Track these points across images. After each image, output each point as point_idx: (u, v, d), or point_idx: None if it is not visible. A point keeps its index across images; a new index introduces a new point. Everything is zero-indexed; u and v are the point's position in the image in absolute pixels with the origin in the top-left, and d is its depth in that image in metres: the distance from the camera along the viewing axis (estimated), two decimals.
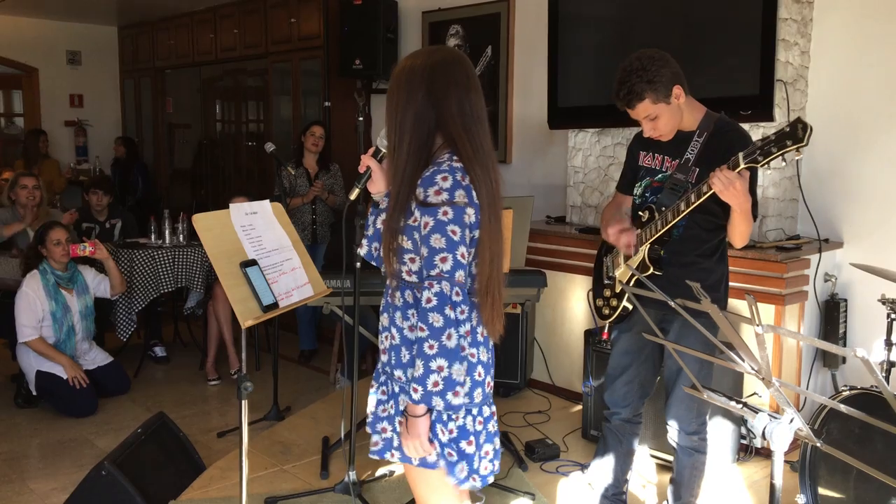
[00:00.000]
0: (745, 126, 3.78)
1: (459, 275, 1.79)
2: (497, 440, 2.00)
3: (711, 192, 2.38)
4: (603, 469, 2.98)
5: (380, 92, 6.13)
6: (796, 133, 2.19)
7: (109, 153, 8.26)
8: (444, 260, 1.77)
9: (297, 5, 6.28)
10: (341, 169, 5.60)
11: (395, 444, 1.96)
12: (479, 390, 1.90)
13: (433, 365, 1.77)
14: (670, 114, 2.55)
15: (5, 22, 8.04)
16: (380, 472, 3.48)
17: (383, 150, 1.99)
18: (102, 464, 3.01)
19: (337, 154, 5.88)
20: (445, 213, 1.78)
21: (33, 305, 4.40)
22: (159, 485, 3.27)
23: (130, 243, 5.28)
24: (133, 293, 4.97)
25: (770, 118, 3.67)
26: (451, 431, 1.88)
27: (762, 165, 2.29)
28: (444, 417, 1.87)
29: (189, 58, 7.61)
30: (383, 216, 2.01)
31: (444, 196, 1.78)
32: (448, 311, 1.77)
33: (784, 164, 2.29)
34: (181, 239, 5.32)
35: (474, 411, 1.91)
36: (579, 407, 4.11)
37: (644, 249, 2.64)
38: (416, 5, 5.80)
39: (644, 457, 3.57)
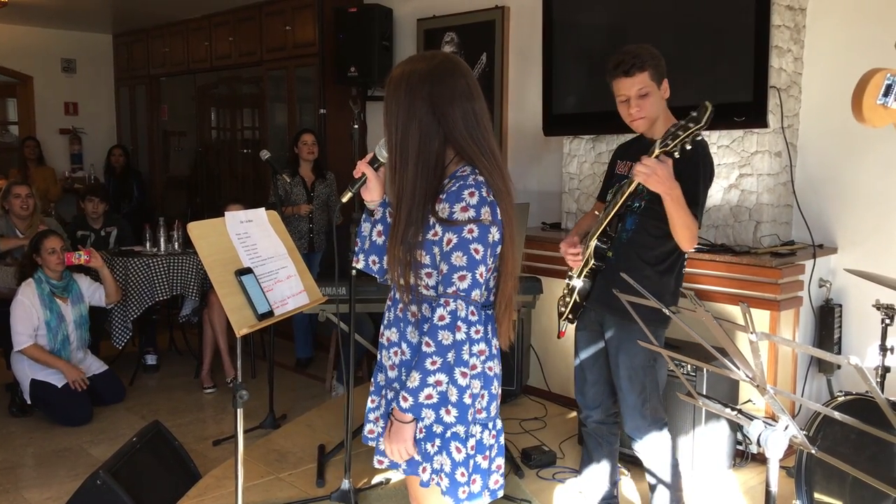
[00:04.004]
0: (739, 132, 3.84)
1: (476, 294, 1.76)
2: (503, 453, 1.98)
3: (635, 184, 2.50)
4: (591, 475, 3.00)
5: (375, 99, 6.14)
6: (701, 116, 2.33)
7: (104, 161, 8.22)
8: (462, 278, 1.74)
9: (291, 13, 6.28)
10: (337, 178, 5.61)
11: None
12: (494, 403, 1.89)
13: (430, 380, 1.75)
14: (656, 99, 2.65)
15: (0, 30, 8.03)
16: (376, 479, 3.48)
17: (381, 160, 1.93)
18: (97, 473, 3.01)
19: (332, 161, 5.89)
20: (471, 232, 1.74)
21: (29, 313, 4.39)
22: (154, 494, 3.26)
23: (125, 251, 5.27)
24: (128, 301, 4.96)
25: (764, 125, 3.68)
26: (471, 448, 1.85)
27: (672, 149, 2.41)
28: (463, 435, 1.83)
29: (184, 65, 7.61)
30: (379, 227, 1.97)
31: (471, 213, 1.74)
32: (460, 330, 1.74)
33: (689, 147, 2.42)
34: (176, 247, 5.30)
35: (490, 425, 1.89)
36: (575, 413, 4.11)
37: (591, 244, 2.73)
38: (411, 13, 5.81)
39: (635, 459, 3.56)
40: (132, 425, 4.27)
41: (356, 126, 3.44)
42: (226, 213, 2.61)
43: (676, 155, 2.43)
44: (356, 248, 2.04)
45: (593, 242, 2.72)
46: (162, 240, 5.27)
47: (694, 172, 2.53)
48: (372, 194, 1.97)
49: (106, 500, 2.96)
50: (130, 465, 3.19)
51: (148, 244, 5.30)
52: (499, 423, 1.94)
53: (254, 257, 2.59)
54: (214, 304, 4.97)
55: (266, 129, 6.79)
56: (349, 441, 3.26)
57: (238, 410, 2.55)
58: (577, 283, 2.81)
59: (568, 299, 2.88)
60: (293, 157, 5.45)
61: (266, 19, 6.55)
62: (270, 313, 2.54)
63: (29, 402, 4.48)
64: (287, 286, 2.67)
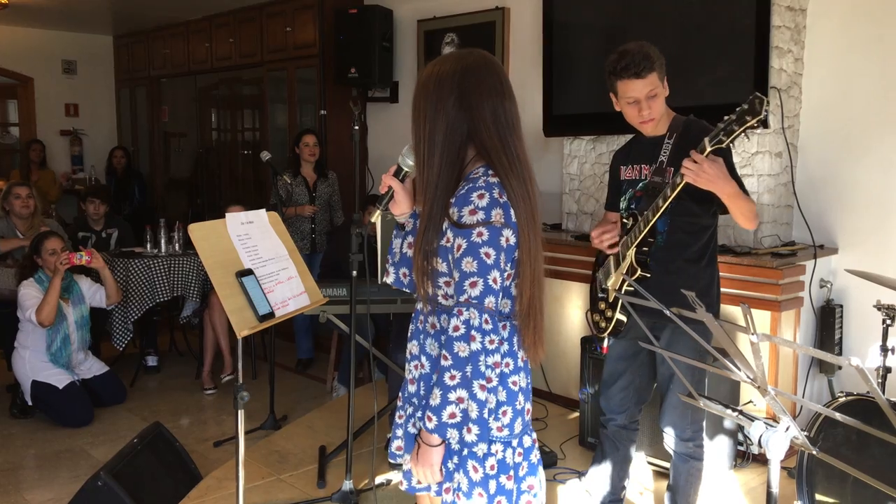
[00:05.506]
0: None
1: (489, 301, 1.68)
2: (541, 471, 1.88)
3: (684, 181, 2.39)
4: (600, 476, 2.98)
5: (375, 100, 6.15)
6: (754, 107, 2.22)
7: (105, 163, 8.23)
8: (473, 285, 1.67)
9: (292, 14, 6.29)
10: (338, 178, 5.62)
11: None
12: (519, 420, 1.80)
13: (452, 396, 1.68)
14: (663, 98, 2.61)
15: (1, 31, 8.04)
16: (377, 480, 3.48)
17: (405, 169, 1.86)
18: (98, 474, 3.01)
19: (333, 162, 5.89)
20: (480, 235, 1.67)
21: (36, 293, 4.40)
22: (156, 495, 3.26)
23: (126, 252, 5.28)
24: (129, 302, 4.96)
25: (764, 125, 3.68)
26: (491, 468, 1.78)
27: (727, 144, 2.31)
28: (480, 454, 1.77)
29: (185, 67, 7.61)
30: (410, 239, 1.89)
31: (480, 216, 1.67)
32: (475, 340, 1.67)
33: (747, 140, 2.29)
34: (177, 248, 5.31)
35: (514, 443, 1.81)
36: (576, 414, 4.11)
37: (630, 254, 2.66)
38: (412, 14, 5.82)
39: (641, 463, 3.56)
40: (133, 426, 4.27)
41: (356, 127, 3.43)
42: (227, 214, 2.62)
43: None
44: (388, 262, 1.95)
45: (632, 252, 2.63)
46: (163, 241, 5.27)
47: (727, 161, 2.46)
48: (401, 207, 1.89)
49: (107, 501, 2.97)
50: (131, 467, 3.19)
51: (149, 245, 5.31)
52: (527, 440, 1.85)
53: (255, 259, 2.60)
54: (215, 306, 4.97)
55: (267, 130, 6.79)
56: (350, 442, 3.27)
57: (239, 412, 2.55)
58: (621, 316, 2.73)
59: (610, 314, 2.77)
60: (294, 158, 5.45)
61: (267, 20, 6.55)
62: (271, 315, 2.54)
63: (30, 403, 4.49)
64: (288, 287, 2.68)
